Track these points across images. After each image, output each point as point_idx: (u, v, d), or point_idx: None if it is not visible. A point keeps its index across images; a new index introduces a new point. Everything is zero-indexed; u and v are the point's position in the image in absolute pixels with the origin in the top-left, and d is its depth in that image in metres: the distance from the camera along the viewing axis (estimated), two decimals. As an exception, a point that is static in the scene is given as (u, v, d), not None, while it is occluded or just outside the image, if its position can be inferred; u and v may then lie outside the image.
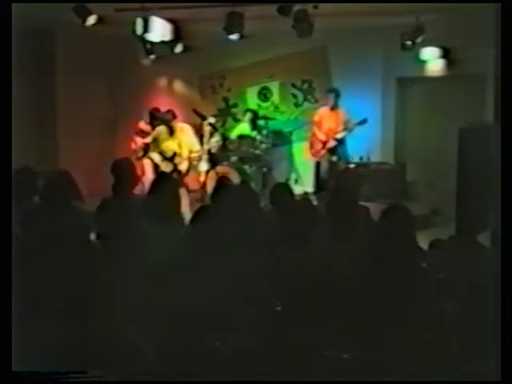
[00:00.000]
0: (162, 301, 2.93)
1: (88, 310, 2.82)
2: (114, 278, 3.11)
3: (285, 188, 4.98)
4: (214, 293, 2.94)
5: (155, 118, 8.51)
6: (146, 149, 8.84)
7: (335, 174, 8.14)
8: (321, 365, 2.88)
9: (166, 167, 7.62)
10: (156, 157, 7.73)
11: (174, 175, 7.54)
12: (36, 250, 3.33)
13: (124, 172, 4.62)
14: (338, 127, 8.54)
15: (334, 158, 8.60)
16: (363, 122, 8.36)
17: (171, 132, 7.71)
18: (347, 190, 4.61)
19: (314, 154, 8.83)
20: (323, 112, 8.76)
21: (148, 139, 8.41)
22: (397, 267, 3.24)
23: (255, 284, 3.11)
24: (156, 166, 7.80)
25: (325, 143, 8.64)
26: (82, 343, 1.76)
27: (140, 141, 8.87)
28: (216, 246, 3.21)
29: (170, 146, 7.68)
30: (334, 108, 8.67)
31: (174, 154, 7.67)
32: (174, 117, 7.88)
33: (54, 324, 2.24)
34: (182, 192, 6.99)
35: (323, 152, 8.67)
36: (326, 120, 8.65)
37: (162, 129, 7.82)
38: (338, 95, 8.66)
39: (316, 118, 8.80)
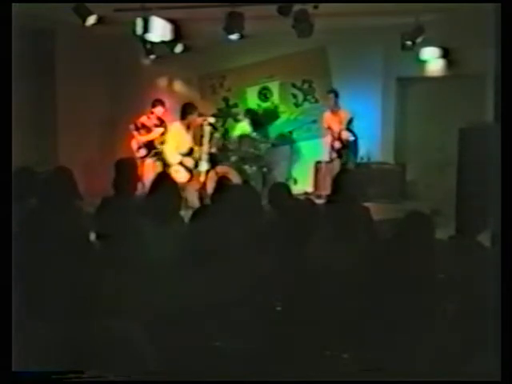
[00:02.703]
0: (162, 300, 2.93)
1: (88, 309, 2.83)
2: (113, 278, 3.11)
3: (283, 188, 4.98)
4: (213, 292, 2.94)
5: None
6: (150, 146, 8.83)
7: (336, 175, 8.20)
8: (321, 365, 2.88)
9: (188, 162, 7.54)
10: (176, 157, 7.57)
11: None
12: (36, 250, 3.33)
13: (127, 171, 4.62)
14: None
15: (341, 160, 8.69)
16: (350, 121, 8.58)
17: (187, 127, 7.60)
18: (347, 190, 4.60)
19: (329, 156, 9.01)
20: (327, 116, 8.87)
21: (154, 135, 8.35)
22: (400, 269, 3.24)
23: (255, 284, 3.10)
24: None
25: (332, 146, 8.75)
26: (82, 343, 1.76)
27: (142, 138, 8.85)
28: (216, 246, 3.21)
29: (187, 140, 7.56)
30: (334, 109, 8.75)
31: (192, 150, 7.58)
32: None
33: (54, 324, 2.24)
34: (192, 185, 7.05)
35: (334, 155, 8.80)
36: (332, 123, 8.76)
37: (178, 125, 7.67)
38: (336, 95, 8.75)
39: (325, 125, 8.95)
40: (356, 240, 3.76)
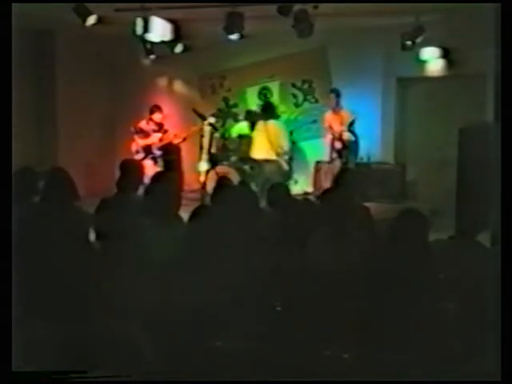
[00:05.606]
0: (162, 300, 2.93)
1: (88, 309, 2.82)
2: (113, 278, 3.11)
3: (282, 188, 4.96)
4: (213, 292, 2.94)
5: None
6: (147, 151, 8.84)
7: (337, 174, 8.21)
8: (321, 365, 2.88)
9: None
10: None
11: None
12: (35, 250, 3.33)
13: (132, 172, 4.64)
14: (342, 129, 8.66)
15: (342, 160, 8.68)
16: (352, 123, 8.56)
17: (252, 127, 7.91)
18: (347, 190, 4.60)
19: (329, 156, 8.99)
20: (328, 116, 8.86)
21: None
22: (400, 268, 3.24)
23: (254, 284, 3.10)
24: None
25: (333, 146, 8.73)
26: (82, 343, 1.76)
27: (141, 142, 8.86)
28: (214, 246, 3.21)
29: (263, 143, 7.83)
30: (336, 109, 8.73)
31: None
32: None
33: (55, 324, 2.24)
34: None
35: (334, 155, 8.78)
36: (333, 123, 8.74)
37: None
38: (338, 95, 8.72)
39: (325, 125, 8.93)
40: (355, 240, 3.76)
